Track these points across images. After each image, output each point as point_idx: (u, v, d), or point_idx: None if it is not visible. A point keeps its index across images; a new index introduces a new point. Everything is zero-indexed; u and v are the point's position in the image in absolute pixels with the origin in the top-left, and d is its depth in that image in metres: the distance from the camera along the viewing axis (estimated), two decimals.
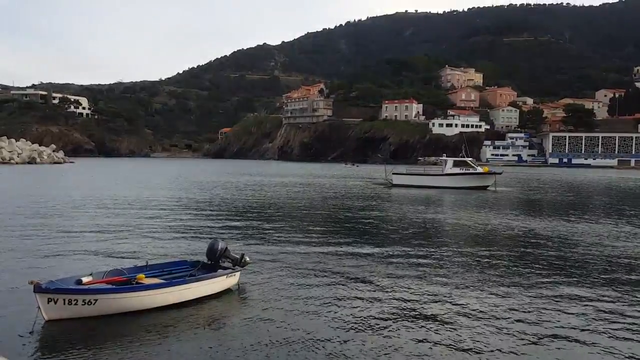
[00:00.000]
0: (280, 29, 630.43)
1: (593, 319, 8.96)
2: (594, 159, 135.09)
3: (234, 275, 10.50)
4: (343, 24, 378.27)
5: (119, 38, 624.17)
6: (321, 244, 15.74)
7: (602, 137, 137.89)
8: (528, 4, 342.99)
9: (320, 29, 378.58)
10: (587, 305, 9.75)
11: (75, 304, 8.22)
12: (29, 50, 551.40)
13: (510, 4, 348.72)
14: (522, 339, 7.94)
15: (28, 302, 8.55)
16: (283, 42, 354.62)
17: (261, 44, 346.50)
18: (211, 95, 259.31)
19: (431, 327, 8.41)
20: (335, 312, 9.08)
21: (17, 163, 78.87)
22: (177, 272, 10.49)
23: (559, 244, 16.43)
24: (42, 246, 14.50)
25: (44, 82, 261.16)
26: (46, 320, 8.10)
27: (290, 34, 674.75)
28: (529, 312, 9.26)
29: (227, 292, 10.23)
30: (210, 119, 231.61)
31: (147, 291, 8.95)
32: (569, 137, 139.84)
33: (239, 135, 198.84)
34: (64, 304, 8.14)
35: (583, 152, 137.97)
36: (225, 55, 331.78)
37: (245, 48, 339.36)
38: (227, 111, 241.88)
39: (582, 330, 8.39)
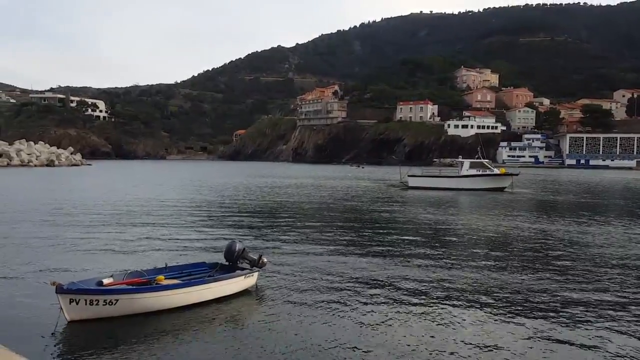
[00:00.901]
0: (294, 31, 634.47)
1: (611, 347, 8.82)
2: (612, 160, 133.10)
3: (252, 276, 10.54)
4: (357, 25, 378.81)
5: (136, 41, 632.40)
6: (338, 246, 15.71)
7: (620, 137, 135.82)
8: (544, 4, 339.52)
9: (334, 31, 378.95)
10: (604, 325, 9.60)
11: (97, 305, 8.31)
12: (47, 54, 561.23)
13: (526, 4, 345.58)
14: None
15: (50, 303, 8.67)
16: (297, 44, 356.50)
17: (275, 46, 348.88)
18: (226, 98, 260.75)
19: (443, 332, 8.37)
20: (352, 314, 9.07)
21: (35, 165, 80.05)
22: (195, 273, 10.57)
23: (583, 250, 16.20)
24: (63, 248, 14.69)
25: (62, 85, 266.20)
26: (68, 321, 8.19)
27: (305, 36, 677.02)
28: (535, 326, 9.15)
29: (245, 292, 10.27)
30: (225, 121, 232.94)
31: (166, 291, 9.04)
32: (586, 138, 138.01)
33: (253, 137, 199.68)
34: (86, 304, 8.24)
35: (601, 153, 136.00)
36: (240, 58, 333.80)
37: (259, 50, 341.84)
38: (242, 113, 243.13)
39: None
